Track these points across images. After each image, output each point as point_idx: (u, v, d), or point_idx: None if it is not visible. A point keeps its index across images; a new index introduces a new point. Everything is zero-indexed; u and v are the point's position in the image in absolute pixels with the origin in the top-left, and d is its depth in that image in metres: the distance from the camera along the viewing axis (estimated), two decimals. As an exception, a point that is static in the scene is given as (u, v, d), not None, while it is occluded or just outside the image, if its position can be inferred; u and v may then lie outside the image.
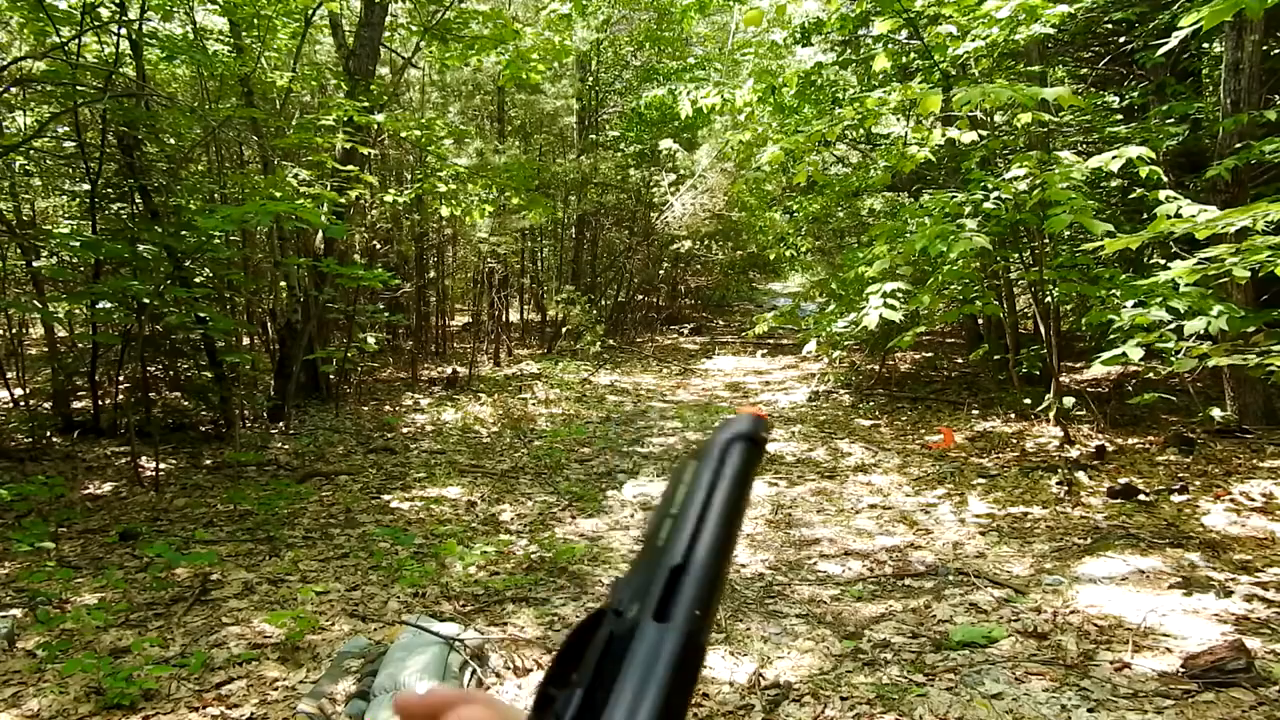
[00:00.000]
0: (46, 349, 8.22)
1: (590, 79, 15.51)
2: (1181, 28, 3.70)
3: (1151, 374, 6.66)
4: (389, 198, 9.44)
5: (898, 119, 7.89)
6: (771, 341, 14.64)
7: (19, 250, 7.68)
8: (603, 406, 9.80)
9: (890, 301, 6.13)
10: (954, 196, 6.05)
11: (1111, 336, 5.42)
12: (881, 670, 3.10)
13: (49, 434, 7.07)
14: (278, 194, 6.63)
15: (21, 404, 7.79)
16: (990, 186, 5.88)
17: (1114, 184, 8.29)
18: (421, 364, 12.30)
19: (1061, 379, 6.59)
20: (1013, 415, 7.51)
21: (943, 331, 12.71)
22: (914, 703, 2.80)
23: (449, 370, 11.70)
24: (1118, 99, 8.56)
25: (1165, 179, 6.00)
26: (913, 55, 7.93)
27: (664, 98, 9.45)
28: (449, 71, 12.38)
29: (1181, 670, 2.88)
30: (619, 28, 14.79)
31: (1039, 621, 3.42)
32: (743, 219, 15.12)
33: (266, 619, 3.62)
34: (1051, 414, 6.46)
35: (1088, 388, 8.08)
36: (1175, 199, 4.42)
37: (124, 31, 6.60)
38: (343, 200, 7.80)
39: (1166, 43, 5.16)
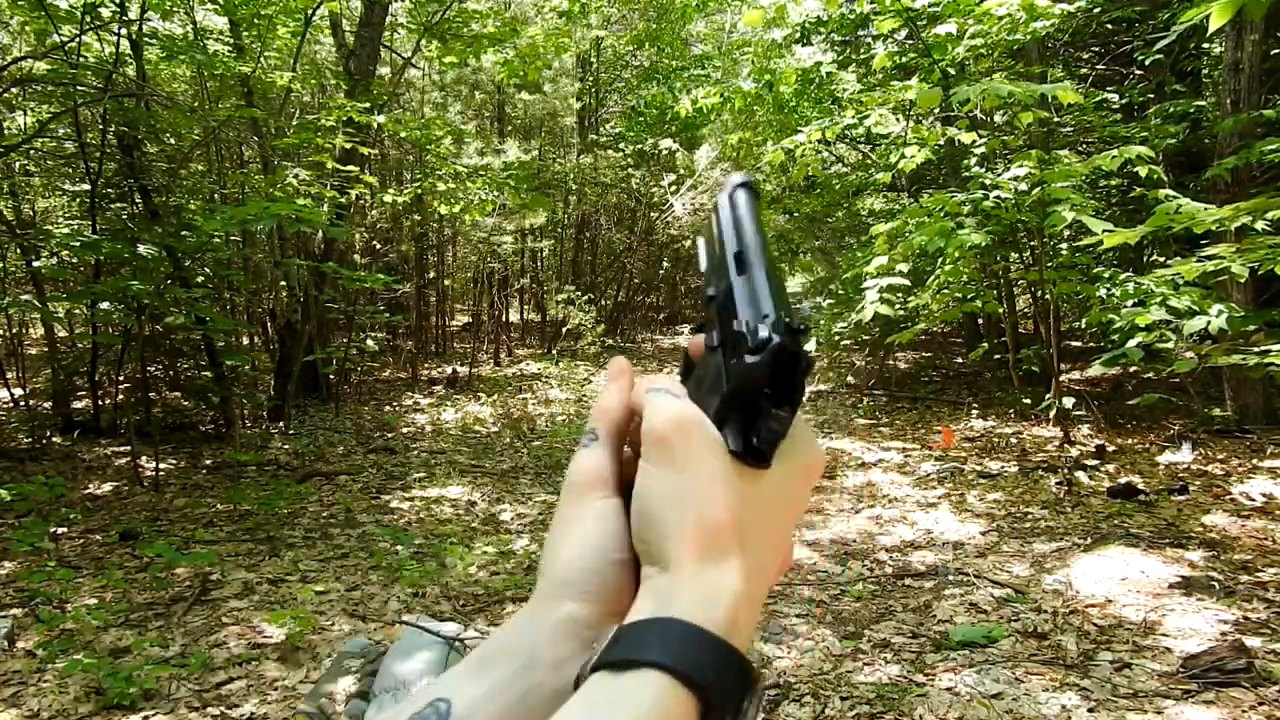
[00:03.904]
0: (46, 349, 8.23)
1: (590, 79, 15.51)
2: (1182, 23, 3.70)
3: (1151, 374, 6.66)
4: (389, 198, 9.44)
5: (897, 118, 7.89)
6: (771, 341, 14.60)
7: (19, 250, 7.68)
8: (603, 406, 9.79)
9: (887, 296, 6.13)
10: (954, 196, 6.05)
11: (1112, 336, 5.42)
12: (881, 670, 3.10)
13: (49, 434, 7.07)
14: (278, 194, 6.63)
15: (21, 404, 7.79)
16: (990, 184, 5.88)
17: (1114, 183, 8.29)
18: (421, 364, 12.30)
19: (1061, 379, 6.59)
20: (1013, 415, 7.51)
21: (943, 331, 12.71)
22: (914, 703, 2.80)
23: (449, 370, 11.71)
24: (1117, 98, 8.56)
25: (1165, 178, 6.00)
26: (912, 55, 7.93)
27: (663, 96, 9.43)
28: (449, 71, 12.39)
29: (1181, 670, 2.88)
30: (618, 27, 14.79)
31: (1039, 621, 3.42)
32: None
33: (266, 619, 3.62)
34: (1051, 414, 6.45)
35: (1088, 388, 8.08)
36: (1175, 198, 4.42)
37: (124, 31, 6.59)
38: (343, 200, 7.80)
39: (1165, 37, 5.16)
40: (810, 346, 0.41)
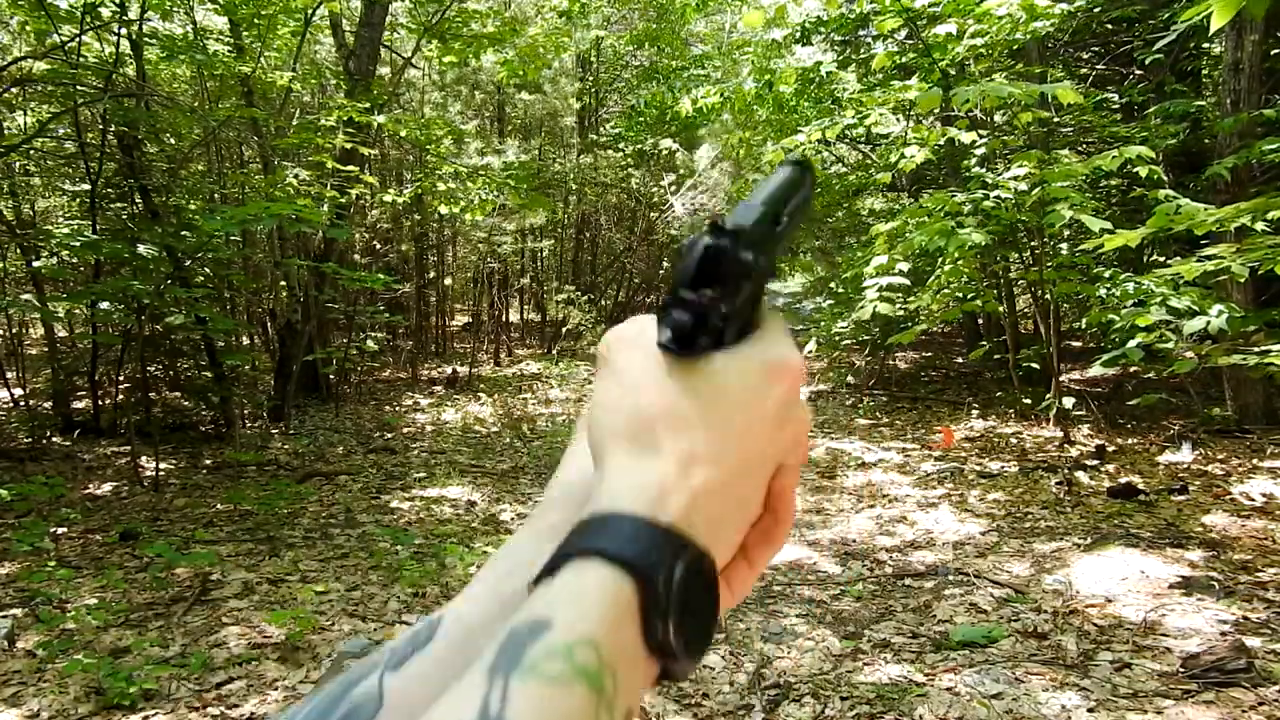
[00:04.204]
0: (46, 349, 8.23)
1: (590, 79, 15.52)
2: (1182, 21, 3.70)
3: (1151, 374, 6.66)
4: (389, 198, 9.44)
5: (897, 118, 7.90)
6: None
7: (19, 250, 7.69)
8: (603, 406, 9.79)
9: (887, 295, 6.13)
10: (954, 196, 6.05)
11: (1112, 336, 5.42)
12: (881, 670, 3.10)
13: (49, 434, 7.08)
14: (278, 194, 6.63)
15: (21, 404, 7.79)
16: (990, 184, 5.89)
17: (1114, 184, 8.29)
18: (421, 364, 12.30)
19: (1061, 379, 6.59)
20: (1013, 415, 7.51)
21: (943, 331, 12.72)
22: (914, 703, 2.80)
23: (449, 370, 11.71)
24: (1117, 98, 8.57)
25: (1165, 178, 6.01)
26: (912, 55, 7.94)
27: (663, 95, 9.43)
28: (449, 71, 12.40)
29: (1181, 670, 2.88)
30: (618, 27, 14.79)
31: (1039, 621, 3.42)
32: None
33: (266, 619, 3.62)
34: (1051, 414, 6.45)
35: (1088, 388, 8.08)
36: (1174, 198, 4.42)
37: (124, 31, 6.60)
38: (343, 200, 7.80)
39: (1165, 36, 5.17)
40: (750, 254, 0.41)
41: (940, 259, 6.43)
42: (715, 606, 0.36)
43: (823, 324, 9.03)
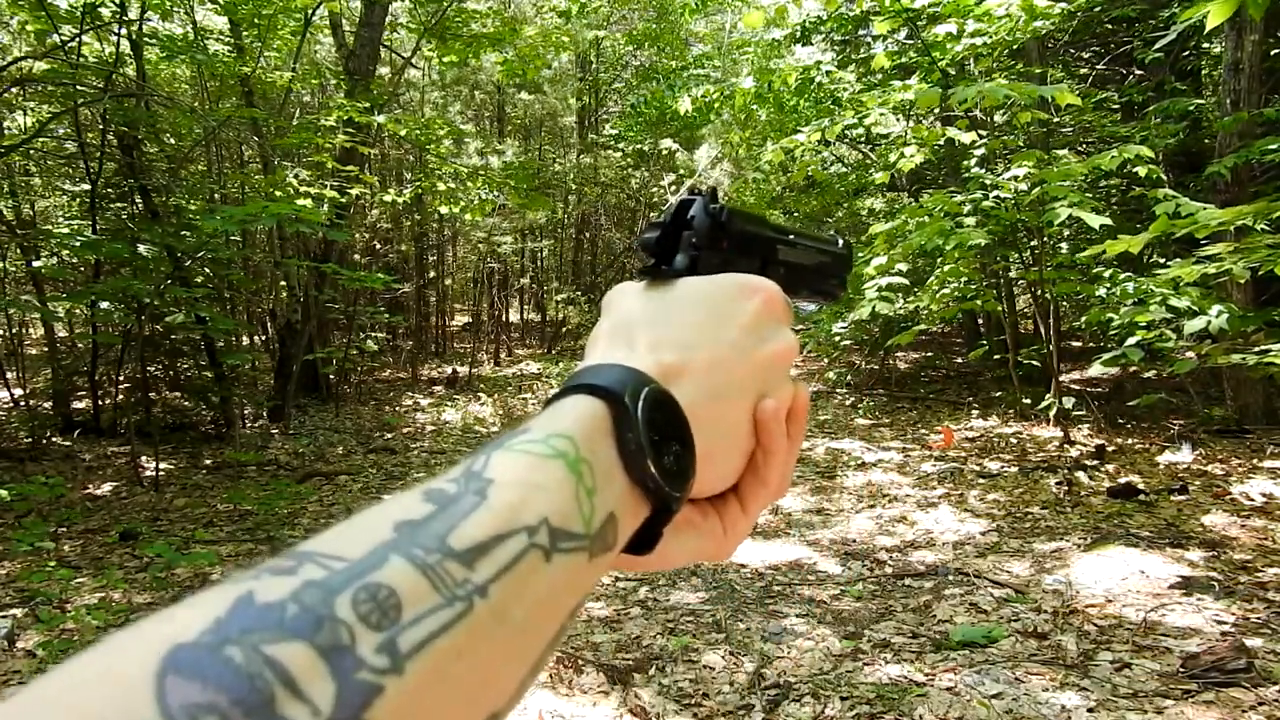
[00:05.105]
0: (46, 349, 8.23)
1: (590, 79, 15.52)
2: (1181, 21, 3.70)
3: (1152, 374, 6.66)
4: (389, 198, 9.45)
5: (897, 118, 7.90)
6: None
7: (19, 250, 7.69)
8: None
9: (886, 295, 6.12)
10: (954, 196, 6.04)
11: (1112, 333, 5.42)
12: (881, 670, 3.10)
13: (49, 434, 7.07)
14: (278, 194, 6.64)
15: (21, 404, 7.80)
16: (990, 184, 5.88)
17: (1113, 183, 8.30)
18: (421, 364, 12.31)
19: (1061, 379, 6.59)
20: (1013, 415, 7.51)
21: (943, 331, 12.72)
22: (914, 703, 2.80)
23: (449, 370, 11.71)
24: (1117, 97, 8.57)
25: (1164, 178, 6.01)
26: (912, 55, 7.94)
27: (663, 94, 9.43)
28: (449, 71, 12.40)
29: (1181, 670, 2.88)
30: (618, 27, 14.79)
31: (1039, 621, 3.42)
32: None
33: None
34: (1051, 414, 6.45)
35: (1088, 388, 8.08)
36: (1174, 198, 4.42)
37: (124, 31, 6.60)
38: (343, 200, 7.80)
39: (1165, 35, 5.17)
40: (718, 202, 0.48)
41: (940, 259, 6.43)
42: (686, 432, 0.38)
43: (822, 324, 9.02)
